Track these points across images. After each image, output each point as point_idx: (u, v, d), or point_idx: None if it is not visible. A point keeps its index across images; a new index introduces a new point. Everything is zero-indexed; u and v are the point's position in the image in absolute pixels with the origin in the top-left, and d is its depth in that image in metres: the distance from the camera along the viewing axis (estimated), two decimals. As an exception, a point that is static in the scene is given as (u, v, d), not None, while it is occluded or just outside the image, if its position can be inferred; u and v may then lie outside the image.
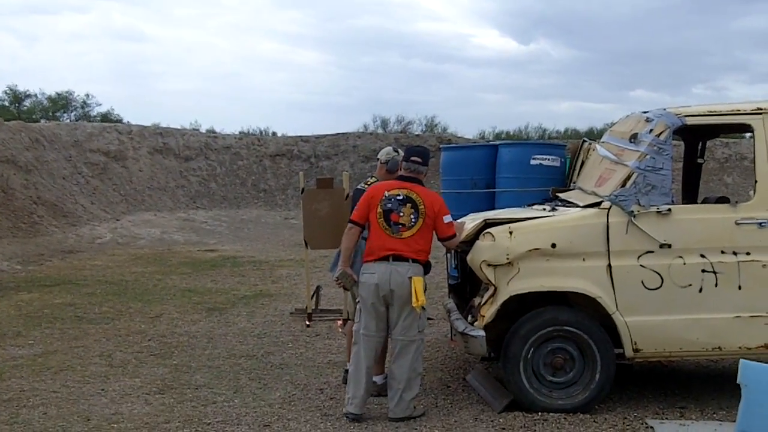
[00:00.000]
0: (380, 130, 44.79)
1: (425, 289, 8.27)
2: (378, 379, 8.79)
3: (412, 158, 8.47)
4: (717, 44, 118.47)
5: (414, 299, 7.97)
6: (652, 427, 7.81)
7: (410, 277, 8.03)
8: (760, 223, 8.18)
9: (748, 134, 10.57)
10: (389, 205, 8.21)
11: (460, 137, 39.70)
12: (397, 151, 9.39)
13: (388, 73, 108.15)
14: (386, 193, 8.30)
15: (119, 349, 11.32)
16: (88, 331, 12.49)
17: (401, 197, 8.22)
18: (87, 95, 53.25)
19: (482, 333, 8.21)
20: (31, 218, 24.02)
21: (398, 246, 8.13)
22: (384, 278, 8.08)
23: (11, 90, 51.87)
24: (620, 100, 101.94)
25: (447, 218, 8.29)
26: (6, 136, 26.37)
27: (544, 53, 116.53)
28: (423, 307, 8.15)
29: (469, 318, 8.65)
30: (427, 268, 8.28)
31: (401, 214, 8.15)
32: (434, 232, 8.36)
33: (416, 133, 43.57)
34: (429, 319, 12.72)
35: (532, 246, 8.17)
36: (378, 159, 9.47)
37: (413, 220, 8.14)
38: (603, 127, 47.80)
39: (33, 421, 8.23)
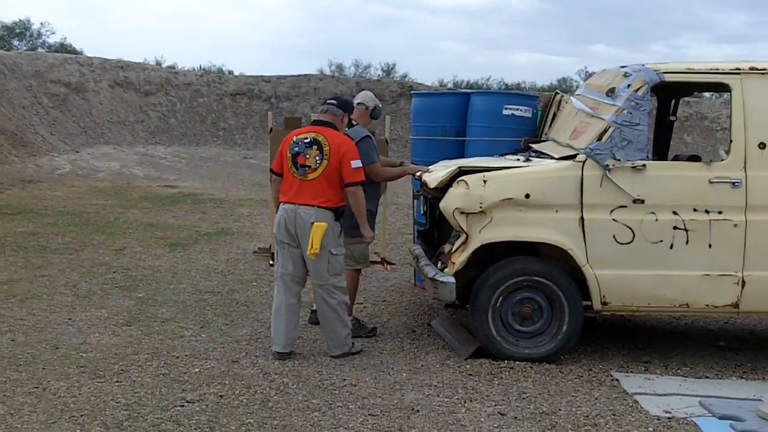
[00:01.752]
0: (337, 72, 44.71)
1: (340, 234, 8.33)
2: None
3: (329, 100, 8.59)
4: (678, 2, 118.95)
5: (309, 246, 8.02)
6: (617, 380, 7.93)
7: (312, 223, 8.07)
8: (734, 183, 8.25)
9: (709, 94, 10.62)
10: (296, 149, 8.24)
11: (420, 84, 39.54)
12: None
13: (347, 16, 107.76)
14: (295, 138, 8.35)
15: (84, 279, 11.30)
16: (52, 260, 12.44)
17: (308, 140, 8.25)
18: (42, 24, 52.73)
19: (452, 280, 8.25)
20: (-10, 147, 23.84)
21: (305, 190, 8.17)
22: (290, 220, 8.17)
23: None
24: (580, 54, 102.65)
25: (355, 163, 8.26)
26: (-35, 63, 26.09)
27: (506, 3, 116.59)
28: (331, 251, 8.20)
29: (439, 264, 8.69)
30: (337, 213, 8.26)
31: (307, 156, 8.18)
32: None
33: (376, 78, 43.44)
34: (390, 263, 12.85)
35: (505, 195, 8.20)
36: (360, 103, 9.36)
37: (318, 162, 8.15)
38: (560, 82, 48.04)
39: (1, 347, 8.22)
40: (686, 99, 34.59)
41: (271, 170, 8.72)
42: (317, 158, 8.14)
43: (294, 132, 8.58)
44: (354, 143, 8.50)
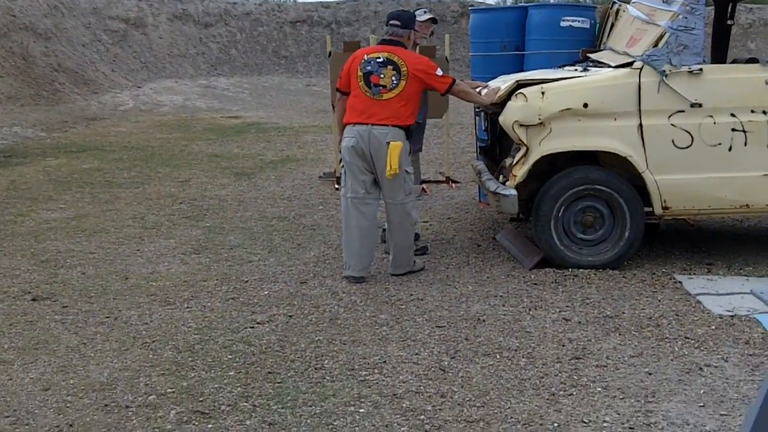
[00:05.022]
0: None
1: (410, 152, 8.39)
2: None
3: (391, 21, 8.43)
4: None
5: (388, 167, 7.98)
6: (680, 282, 8.00)
7: (388, 143, 8.02)
8: (791, 83, 8.22)
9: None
10: (368, 68, 8.15)
11: (481, 2, 39.13)
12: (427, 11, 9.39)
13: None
14: (366, 57, 8.26)
15: (151, 212, 11.47)
16: (119, 195, 12.62)
17: (381, 60, 8.16)
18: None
19: (514, 192, 8.32)
20: (52, 86, 24.02)
21: (378, 109, 8.10)
22: (364, 142, 8.08)
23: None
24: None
25: (438, 71, 8.28)
26: (24, 3, 26.15)
27: None
28: (406, 171, 8.20)
29: (501, 179, 8.76)
30: (408, 132, 8.23)
31: (382, 75, 8.09)
32: (428, 91, 8.57)
33: (436, -1, 43.01)
34: (454, 182, 12.91)
35: (564, 106, 8.22)
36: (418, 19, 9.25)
37: (395, 81, 8.07)
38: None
39: (72, 281, 8.38)
40: (748, 5, 34.11)
41: (337, 89, 8.62)
42: (393, 78, 8.07)
43: (363, 50, 8.54)
44: (428, 59, 8.52)
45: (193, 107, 25.90)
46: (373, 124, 8.06)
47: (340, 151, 8.61)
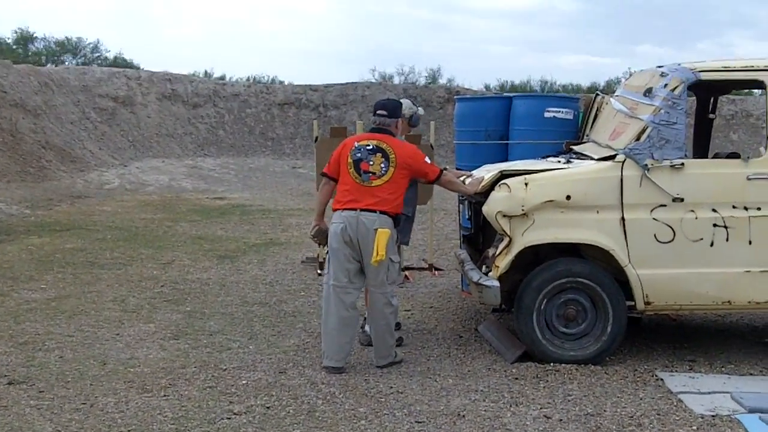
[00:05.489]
0: (380, 80, 44.78)
1: (397, 241, 8.46)
2: (368, 328, 8.85)
3: (378, 111, 8.51)
4: (723, 0, 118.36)
5: (374, 254, 7.99)
6: (661, 379, 7.94)
7: (376, 229, 8.04)
8: (772, 179, 8.27)
9: (759, 90, 10.66)
10: (359, 155, 8.22)
11: (467, 89, 39.49)
12: (416, 106, 9.48)
13: (394, 22, 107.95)
14: (356, 144, 8.34)
15: (132, 294, 11.40)
16: (101, 276, 12.55)
17: (371, 147, 8.24)
18: (97, 40, 53.04)
19: (497, 283, 8.30)
20: (39, 163, 24.02)
21: (367, 196, 8.13)
22: (351, 227, 8.09)
23: (21, 31, 51.41)
24: (626, 55, 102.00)
25: (426, 159, 8.39)
26: (15, 80, 26.32)
27: (551, 5, 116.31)
28: (391, 259, 8.21)
29: (483, 268, 8.74)
30: (397, 221, 8.27)
31: (371, 162, 8.16)
32: (418, 180, 8.61)
33: (423, 84, 43.43)
34: (438, 269, 12.89)
35: (547, 198, 8.24)
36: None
37: (383, 169, 8.14)
38: (607, 82, 47.83)
39: (49, 364, 8.30)
40: (731, 97, 34.50)
41: (324, 173, 8.61)
42: (382, 165, 8.14)
43: (353, 138, 8.63)
44: (416, 147, 8.60)
45: (179, 187, 25.90)
46: (361, 210, 8.09)
47: (312, 235, 8.73)
